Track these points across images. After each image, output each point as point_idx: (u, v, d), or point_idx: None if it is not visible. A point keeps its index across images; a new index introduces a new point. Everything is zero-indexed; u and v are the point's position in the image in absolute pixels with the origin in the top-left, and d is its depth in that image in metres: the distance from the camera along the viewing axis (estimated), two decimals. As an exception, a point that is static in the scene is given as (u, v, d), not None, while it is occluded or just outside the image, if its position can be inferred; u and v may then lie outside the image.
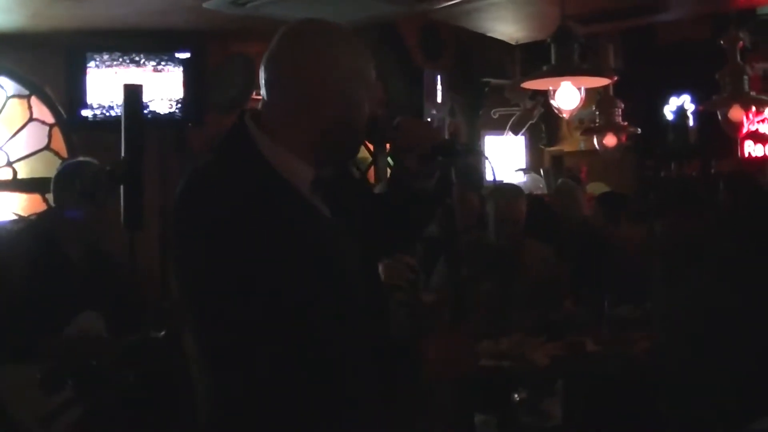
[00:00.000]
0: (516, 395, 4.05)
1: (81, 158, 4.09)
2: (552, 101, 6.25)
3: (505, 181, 6.54)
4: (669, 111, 9.28)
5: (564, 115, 6.38)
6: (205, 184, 1.95)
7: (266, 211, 1.86)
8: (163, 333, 3.88)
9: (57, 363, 3.50)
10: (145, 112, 5.96)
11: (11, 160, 6.57)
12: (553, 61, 5.93)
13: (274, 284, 1.82)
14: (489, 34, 7.51)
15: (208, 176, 1.97)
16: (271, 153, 1.97)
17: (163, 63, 6.50)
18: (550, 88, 6.19)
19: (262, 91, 2.05)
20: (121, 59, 6.44)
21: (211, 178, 1.96)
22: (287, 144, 1.98)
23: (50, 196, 4.45)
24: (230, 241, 1.82)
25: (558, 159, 9.64)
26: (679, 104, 9.28)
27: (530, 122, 8.81)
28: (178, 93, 6.50)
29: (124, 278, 4.04)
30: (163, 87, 6.48)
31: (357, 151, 2.27)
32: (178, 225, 1.95)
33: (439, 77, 7.67)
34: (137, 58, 6.46)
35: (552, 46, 5.91)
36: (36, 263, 3.69)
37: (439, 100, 7.61)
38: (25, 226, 3.96)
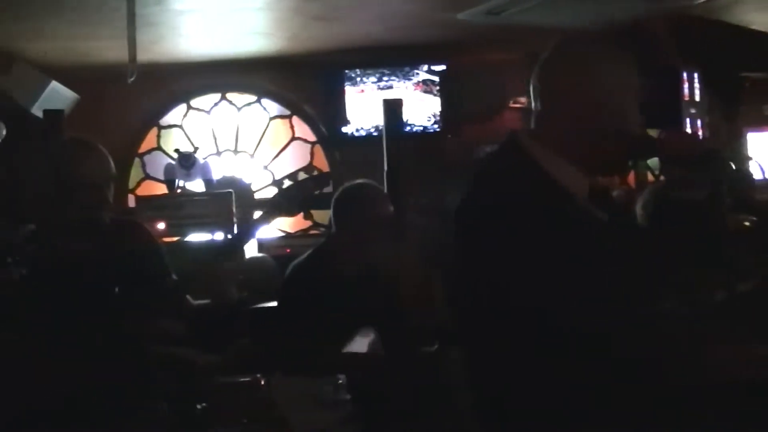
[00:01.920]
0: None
1: (360, 181, 4.01)
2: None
3: None
4: None
5: None
6: (488, 195, 2.04)
7: (546, 215, 1.93)
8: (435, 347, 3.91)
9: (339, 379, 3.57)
10: (405, 125, 6.11)
11: (276, 178, 6.86)
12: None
13: (552, 281, 1.89)
14: (750, 26, 7.15)
15: (490, 187, 2.06)
16: (546, 161, 2.03)
17: (418, 76, 6.61)
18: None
19: (535, 102, 2.10)
20: (377, 75, 6.60)
21: (493, 188, 2.04)
22: (562, 152, 2.04)
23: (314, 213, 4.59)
24: (514, 242, 1.91)
25: (830, 152, 9.03)
26: None
27: (800, 114, 8.33)
28: (436, 106, 6.59)
29: (395, 292, 4.06)
30: (421, 100, 6.58)
31: (627, 163, 2.26)
32: (468, 233, 2.05)
33: (696, 75, 7.37)
34: (393, 74, 6.60)
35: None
36: (313, 282, 3.78)
37: (697, 99, 7.31)
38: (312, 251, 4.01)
